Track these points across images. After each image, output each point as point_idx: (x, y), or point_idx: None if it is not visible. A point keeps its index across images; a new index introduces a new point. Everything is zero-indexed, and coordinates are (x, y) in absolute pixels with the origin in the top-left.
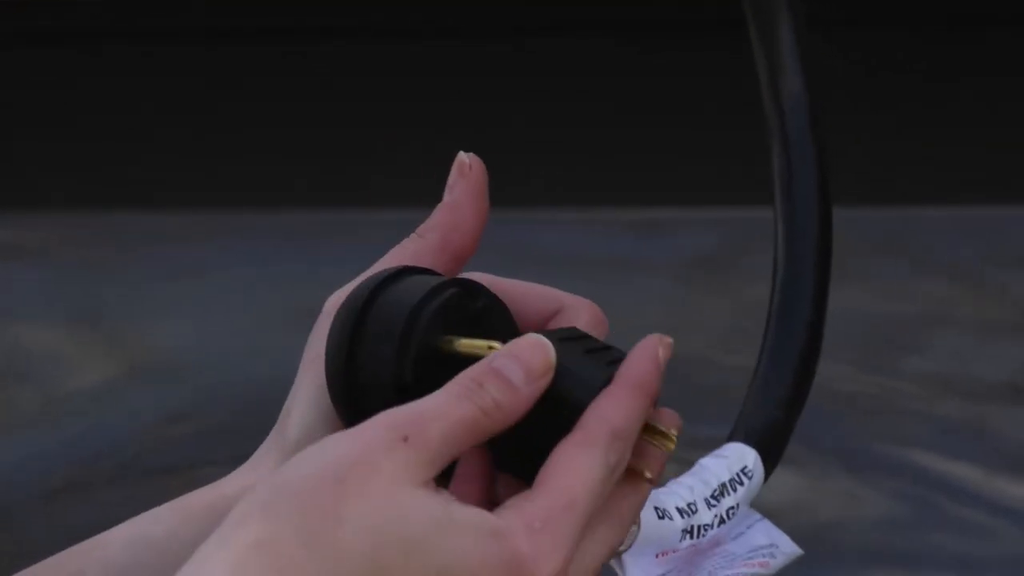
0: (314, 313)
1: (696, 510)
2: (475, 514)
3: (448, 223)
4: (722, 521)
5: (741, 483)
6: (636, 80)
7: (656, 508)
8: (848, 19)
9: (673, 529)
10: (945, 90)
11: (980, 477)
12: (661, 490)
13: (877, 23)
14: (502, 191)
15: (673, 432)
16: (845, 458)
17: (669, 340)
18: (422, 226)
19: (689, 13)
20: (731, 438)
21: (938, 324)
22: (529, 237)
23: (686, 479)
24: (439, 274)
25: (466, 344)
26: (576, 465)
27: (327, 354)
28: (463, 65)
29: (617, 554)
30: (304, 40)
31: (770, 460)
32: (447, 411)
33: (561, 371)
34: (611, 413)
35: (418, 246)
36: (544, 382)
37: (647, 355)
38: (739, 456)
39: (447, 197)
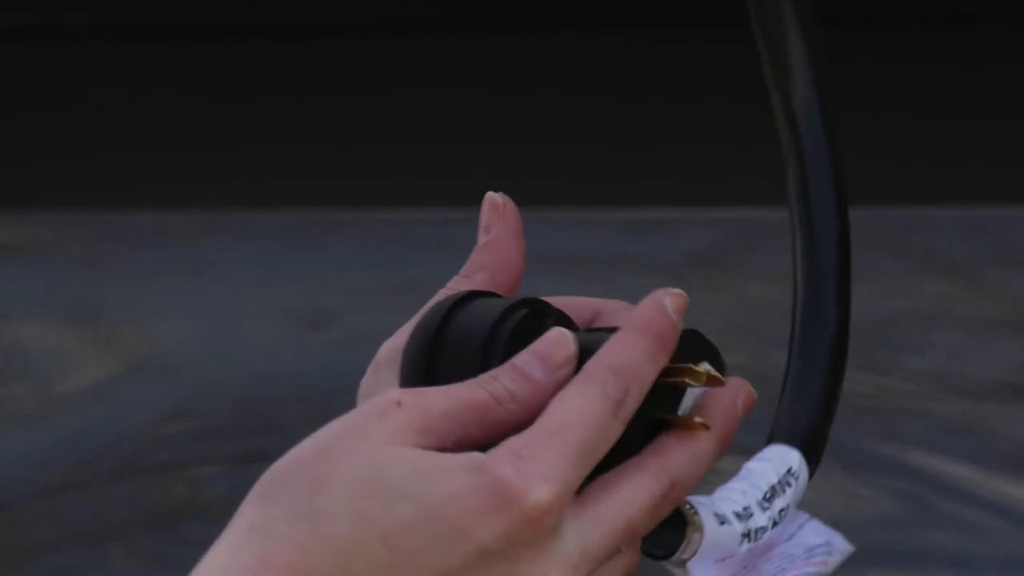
0: (314, 312)
1: (752, 513)
2: (465, 456)
3: (494, 263)
4: (775, 523)
5: (789, 484)
6: (631, 77)
7: (716, 514)
8: (839, 17)
9: (732, 534)
10: (944, 89)
11: (979, 476)
12: (716, 496)
13: (872, 21)
14: (485, 190)
15: (703, 367)
16: (843, 457)
17: (677, 291)
18: (467, 267)
19: (687, 10)
20: (771, 441)
21: (936, 323)
22: (535, 237)
23: (736, 484)
24: (501, 295)
25: None
26: (568, 397)
27: (403, 380)
28: (460, 63)
29: (681, 561)
30: (306, 37)
31: (812, 460)
32: (454, 392)
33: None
34: (607, 351)
35: (467, 288)
36: (565, 371)
37: (650, 301)
38: (783, 458)
39: (486, 236)
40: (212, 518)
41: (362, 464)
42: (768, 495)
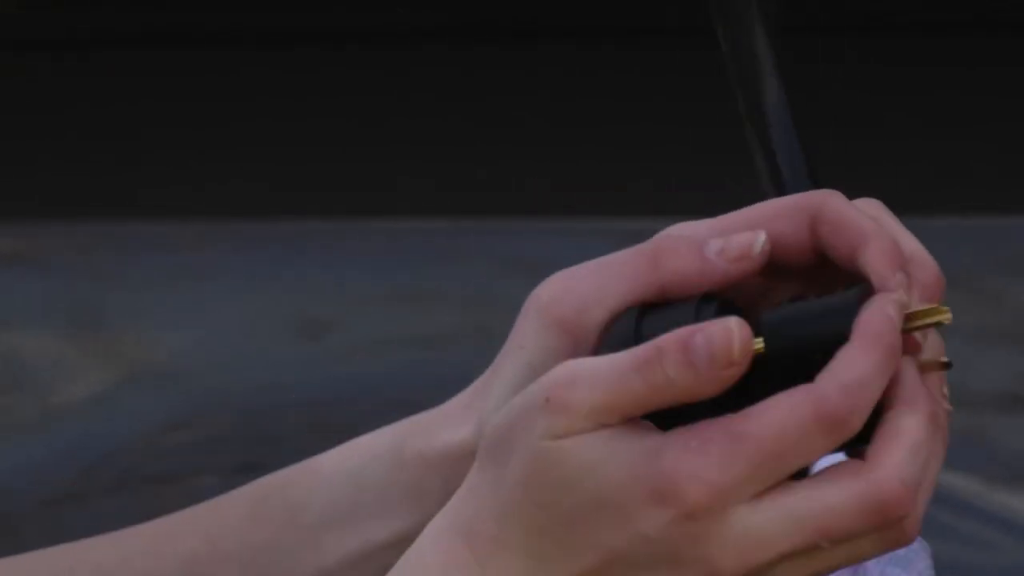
0: (315, 321)
1: None
2: (632, 440)
3: (683, 278)
4: None
5: None
6: (622, 85)
7: None
8: (837, 25)
9: None
10: (939, 96)
11: (977, 487)
12: None
13: (867, 29)
14: (484, 200)
15: (943, 311)
16: None
17: (896, 296)
18: (661, 249)
19: (663, 20)
20: None
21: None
22: (511, 246)
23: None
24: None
25: None
26: (775, 403)
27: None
28: (457, 71)
29: None
30: (306, 43)
31: None
32: (606, 382)
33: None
34: (841, 367)
35: (644, 274)
36: (733, 371)
37: (879, 308)
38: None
39: (711, 269)
40: None
41: (531, 459)
42: None
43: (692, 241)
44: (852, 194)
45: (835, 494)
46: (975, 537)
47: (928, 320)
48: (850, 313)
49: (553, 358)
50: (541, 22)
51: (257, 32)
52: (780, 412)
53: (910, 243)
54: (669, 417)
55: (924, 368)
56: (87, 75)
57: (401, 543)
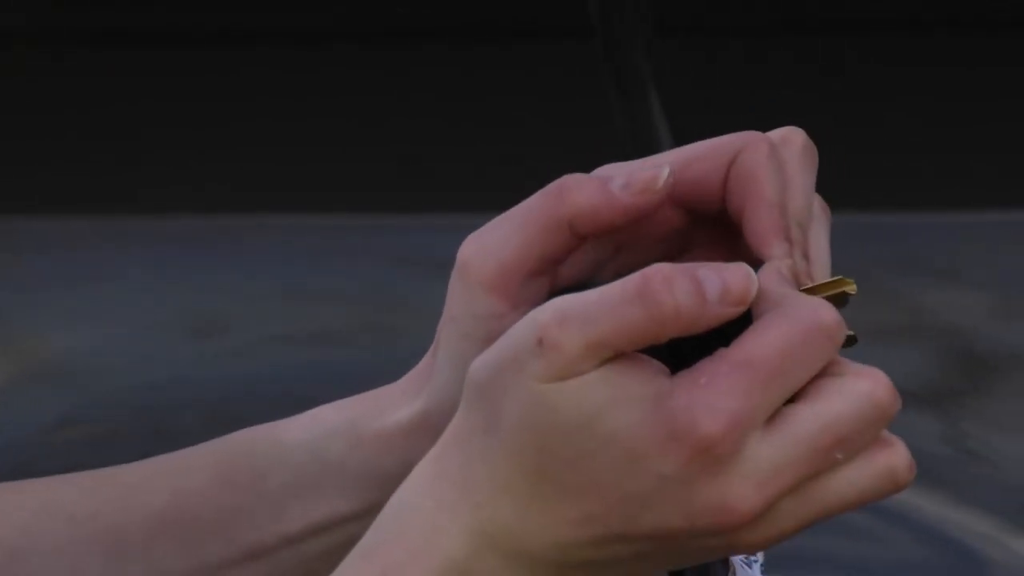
0: (209, 318)
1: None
2: (641, 382)
3: (593, 212)
4: None
5: None
6: (574, 85)
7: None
8: (837, 25)
9: None
10: (938, 96)
11: None
12: None
13: (867, 29)
14: (430, 197)
15: (847, 281)
16: None
17: (779, 264)
18: (567, 187)
19: (569, 20)
20: None
21: None
22: (404, 243)
23: None
24: None
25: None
26: (769, 325)
27: None
28: (450, 74)
29: None
30: (304, 45)
31: None
32: (599, 316)
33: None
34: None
35: (553, 217)
36: (735, 311)
37: (770, 273)
38: None
39: (611, 188)
40: None
41: (528, 402)
42: None
43: (596, 178)
44: (853, 193)
45: (837, 402)
46: (866, 531)
47: (832, 291)
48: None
49: (485, 323)
50: (542, 22)
51: (257, 32)
52: (779, 331)
53: (796, 200)
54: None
55: None
56: (87, 75)
57: (366, 515)
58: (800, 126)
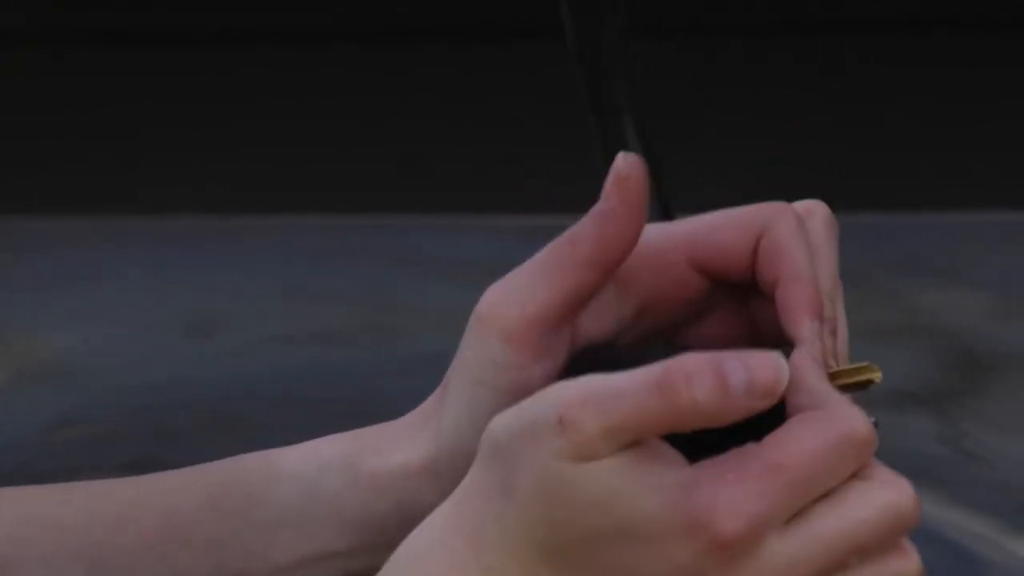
0: (207, 318)
1: None
2: (657, 472)
3: (600, 235)
4: None
5: None
6: (540, 85)
7: None
8: (837, 25)
9: None
10: (939, 96)
11: None
12: None
13: (867, 29)
14: (430, 197)
15: (874, 369)
16: None
17: (807, 350)
18: (574, 232)
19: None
20: None
21: None
22: (405, 243)
23: None
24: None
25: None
26: (803, 427)
27: None
28: (450, 74)
29: None
30: (304, 45)
31: None
32: (622, 401)
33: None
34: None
35: (567, 256)
36: (763, 404)
37: (798, 364)
38: None
39: (601, 205)
40: None
41: (543, 476)
42: None
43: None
44: (853, 193)
45: (859, 509)
46: None
47: (858, 378)
48: None
49: (506, 372)
50: (542, 22)
51: (257, 32)
52: (813, 438)
53: (825, 273)
54: (676, 440)
55: None
56: (87, 75)
57: (356, 553)
58: (800, 126)
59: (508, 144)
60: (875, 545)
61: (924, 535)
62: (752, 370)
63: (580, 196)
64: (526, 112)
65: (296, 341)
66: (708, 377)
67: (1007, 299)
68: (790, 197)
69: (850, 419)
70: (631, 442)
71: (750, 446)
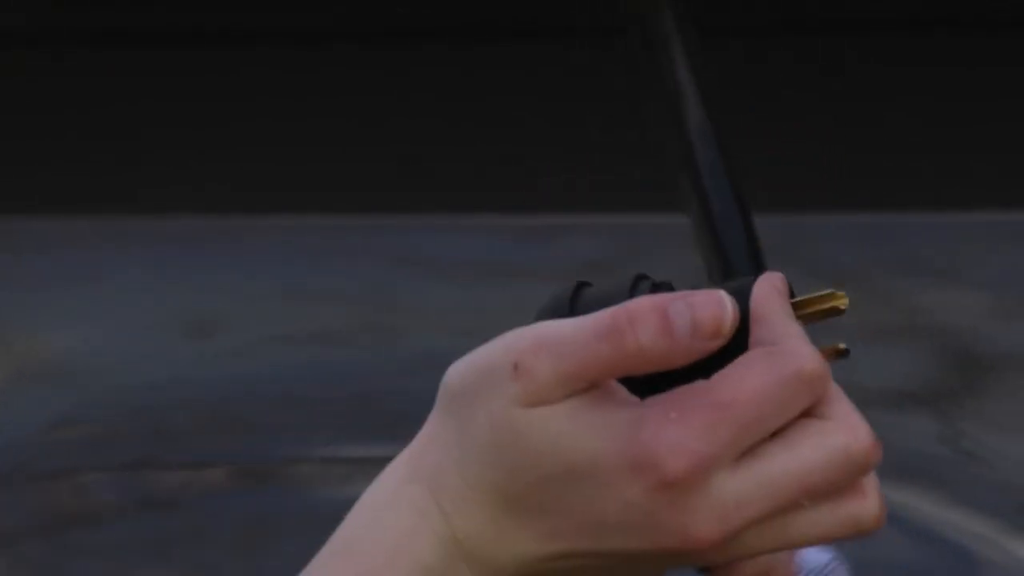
0: (206, 318)
1: None
2: (607, 413)
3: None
4: None
5: None
6: (527, 84)
7: None
8: (837, 25)
9: None
10: (939, 96)
11: None
12: None
13: (867, 29)
14: (430, 197)
15: (839, 295)
16: None
17: (775, 276)
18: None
19: (569, 19)
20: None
21: (826, 330)
22: (404, 243)
23: None
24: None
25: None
26: (750, 366)
27: None
28: (450, 74)
29: None
30: (305, 45)
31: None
32: (573, 348)
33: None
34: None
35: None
36: (712, 345)
37: (766, 284)
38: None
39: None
40: (101, 525)
41: (498, 423)
42: None
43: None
44: (853, 193)
45: (810, 450)
46: None
47: (823, 306)
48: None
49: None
50: (542, 22)
51: (257, 32)
52: (759, 376)
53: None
54: (635, 379)
55: (823, 355)
56: (87, 75)
57: None
58: (800, 126)
59: (508, 144)
60: (827, 487)
61: (924, 535)
62: (696, 310)
63: (580, 196)
64: (526, 112)
65: (296, 341)
66: (652, 320)
67: (1007, 299)
68: (790, 197)
69: (799, 355)
70: (584, 387)
71: (698, 383)
